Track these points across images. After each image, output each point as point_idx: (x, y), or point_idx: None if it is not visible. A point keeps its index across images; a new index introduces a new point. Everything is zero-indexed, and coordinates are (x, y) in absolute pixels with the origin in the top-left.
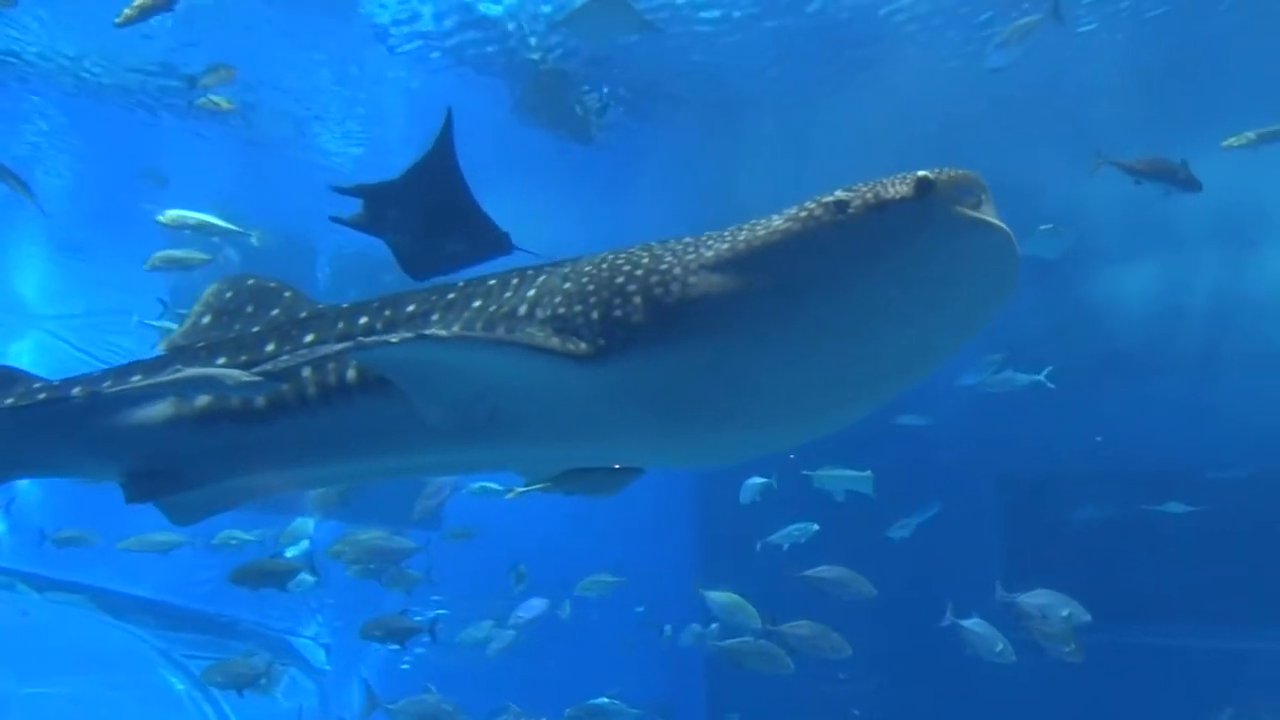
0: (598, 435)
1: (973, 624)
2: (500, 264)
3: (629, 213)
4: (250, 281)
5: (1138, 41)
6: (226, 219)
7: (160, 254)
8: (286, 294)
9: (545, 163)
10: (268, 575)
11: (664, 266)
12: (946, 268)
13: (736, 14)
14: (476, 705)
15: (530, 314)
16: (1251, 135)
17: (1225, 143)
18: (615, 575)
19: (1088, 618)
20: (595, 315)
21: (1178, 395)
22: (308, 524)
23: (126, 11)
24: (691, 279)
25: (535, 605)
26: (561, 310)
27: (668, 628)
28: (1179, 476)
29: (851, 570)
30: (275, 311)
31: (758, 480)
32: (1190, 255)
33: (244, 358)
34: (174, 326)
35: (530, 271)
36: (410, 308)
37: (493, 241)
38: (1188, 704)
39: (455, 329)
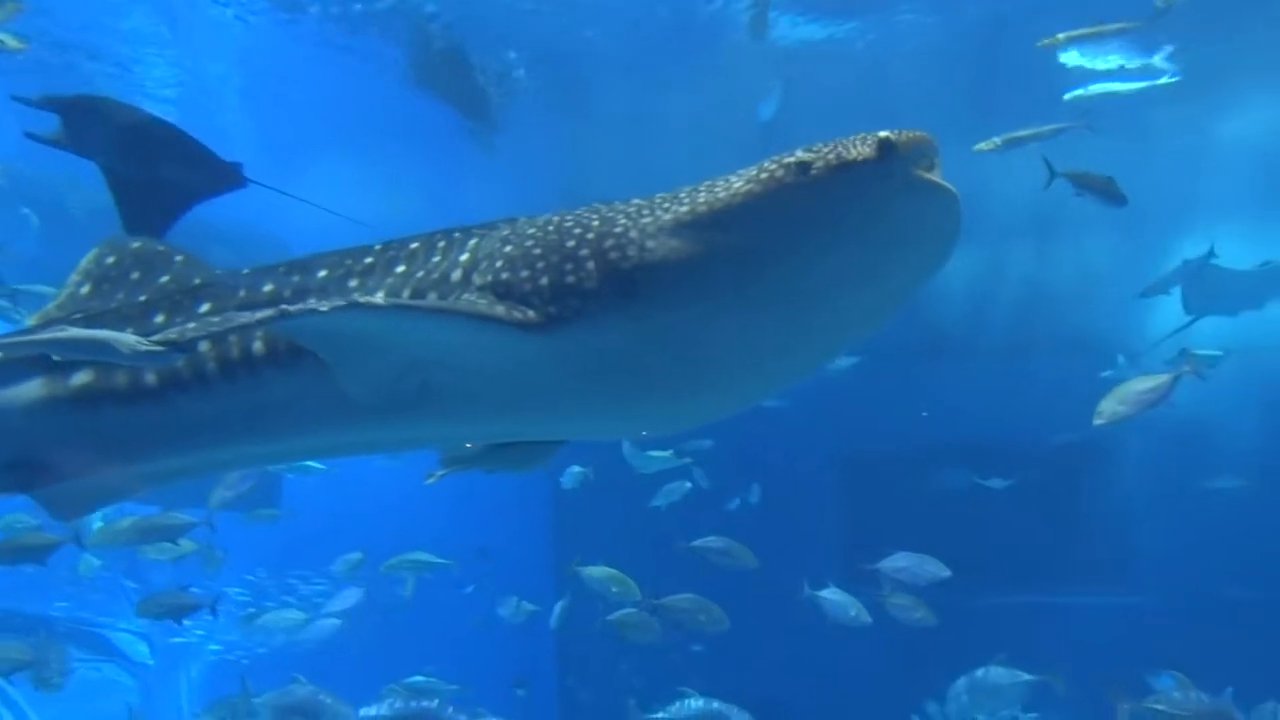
0: (539, 408)
1: (829, 593)
2: (245, 197)
3: (468, 179)
4: (135, 245)
5: (950, 33)
6: (28, 178)
7: None
8: (178, 258)
9: (389, 120)
10: (25, 550)
11: (619, 230)
12: (905, 229)
13: None
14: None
15: (465, 280)
16: (998, 140)
17: (976, 147)
18: (437, 555)
19: (947, 573)
20: (544, 281)
21: (992, 375)
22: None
23: None
24: (650, 243)
25: (350, 595)
26: (505, 276)
27: (514, 599)
28: (996, 449)
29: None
30: (165, 279)
31: (577, 469)
32: (1001, 247)
33: (130, 331)
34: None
35: (457, 234)
36: (322, 273)
37: (219, 173)
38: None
39: (381, 295)
